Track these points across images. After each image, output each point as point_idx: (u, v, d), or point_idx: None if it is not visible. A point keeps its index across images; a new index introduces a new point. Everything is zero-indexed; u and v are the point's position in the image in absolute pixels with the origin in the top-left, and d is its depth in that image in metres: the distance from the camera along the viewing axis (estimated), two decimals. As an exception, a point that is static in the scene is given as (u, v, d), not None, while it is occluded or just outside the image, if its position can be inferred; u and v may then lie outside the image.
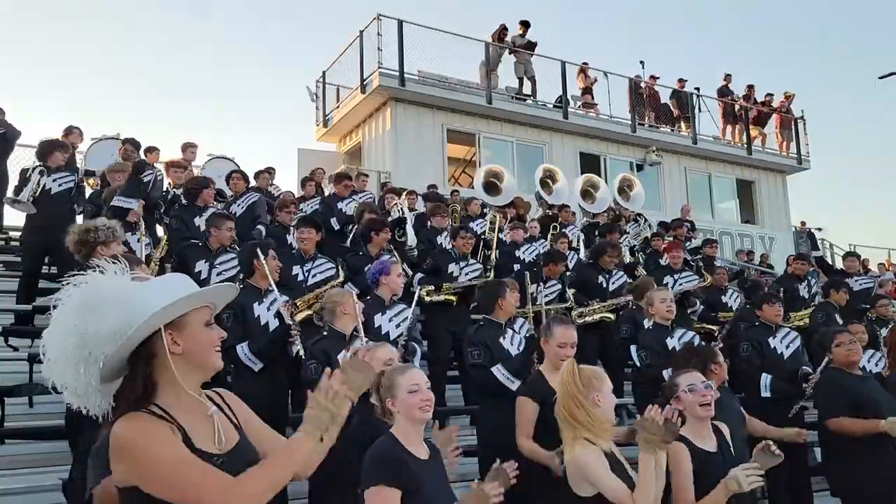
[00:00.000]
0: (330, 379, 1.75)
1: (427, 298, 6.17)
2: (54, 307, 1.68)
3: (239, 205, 7.67)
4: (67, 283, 1.69)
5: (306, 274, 5.47)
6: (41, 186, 6.55)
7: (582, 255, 8.50)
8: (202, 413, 1.71)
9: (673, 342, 4.66)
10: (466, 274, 6.57)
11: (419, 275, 6.53)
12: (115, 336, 1.63)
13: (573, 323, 3.91)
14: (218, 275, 5.45)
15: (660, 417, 2.63)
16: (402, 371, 2.62)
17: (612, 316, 6.64)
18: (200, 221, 6.34)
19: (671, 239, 9.63)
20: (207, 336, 1.73)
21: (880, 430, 3.83)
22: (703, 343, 5.04)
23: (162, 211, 7.57)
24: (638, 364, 5.21)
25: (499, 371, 4.12)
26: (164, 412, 1.62)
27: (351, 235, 7.38)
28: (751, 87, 17.37)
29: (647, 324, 5.11)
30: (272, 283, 4.43)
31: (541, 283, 6.59)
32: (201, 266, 5.44)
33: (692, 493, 2.89)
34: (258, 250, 4.50)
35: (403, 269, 6.90)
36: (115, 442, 1.56)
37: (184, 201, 6.85)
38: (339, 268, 5.63)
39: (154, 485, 1.54)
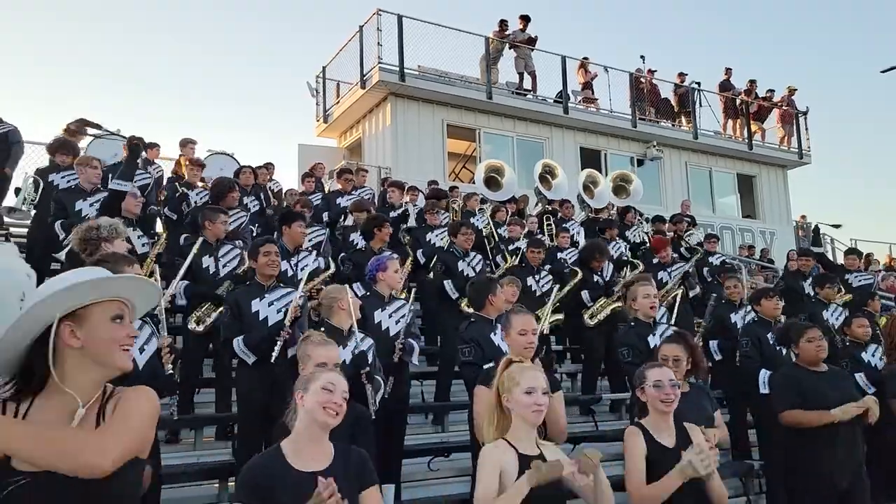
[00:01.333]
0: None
1: (469, 309, 6.16)
2: None
3: (252, 201, 7.79)
4: None
5: (294, 268, 5.54)
6: (39, 188, 6.54)
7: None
8: (66, 418, 1.58)
9: (655, 340, 4.61)
10: (473, 268, 6.60)
11: (449, 282, 6.46)
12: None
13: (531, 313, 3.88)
14: (223, 266, 5.52)
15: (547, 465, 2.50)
16: (325, 370, 2.55)
17: (621, 305, 6.69)
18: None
19: (671, 234, 9.64)
20: (112, 331, 1.62)
21: (832, 419, 3.84)
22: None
23: (163, 205, 7.60)
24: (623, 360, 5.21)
25: (488, 368, 4.11)
26: (16, 409, 1.57)
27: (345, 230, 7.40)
28: (752, 83, 17.33)
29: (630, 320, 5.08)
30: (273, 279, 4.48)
31: (535, 276, 6.61)
32: (207, 261, 5.48)
33: (642, 476, 2.92)
34: (258, 248, 4.56)
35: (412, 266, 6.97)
36: None
37: (209, 201, 6.92)
38: (331, 260, 5.68)
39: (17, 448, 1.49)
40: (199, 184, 8.22)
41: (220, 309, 5.03)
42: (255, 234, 7.21)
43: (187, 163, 8.58)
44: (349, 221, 7.68)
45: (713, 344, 5.98)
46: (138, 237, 5.83)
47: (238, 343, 4.27)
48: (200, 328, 5.23)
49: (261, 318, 4.36)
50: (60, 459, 1.49)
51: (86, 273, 1.67)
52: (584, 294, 6.98)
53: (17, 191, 7.02)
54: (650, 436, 3.04)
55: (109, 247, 3.74)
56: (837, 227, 11.02)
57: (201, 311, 5.31)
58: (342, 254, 6.97)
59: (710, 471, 2.80)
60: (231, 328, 4.37)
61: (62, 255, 5.41)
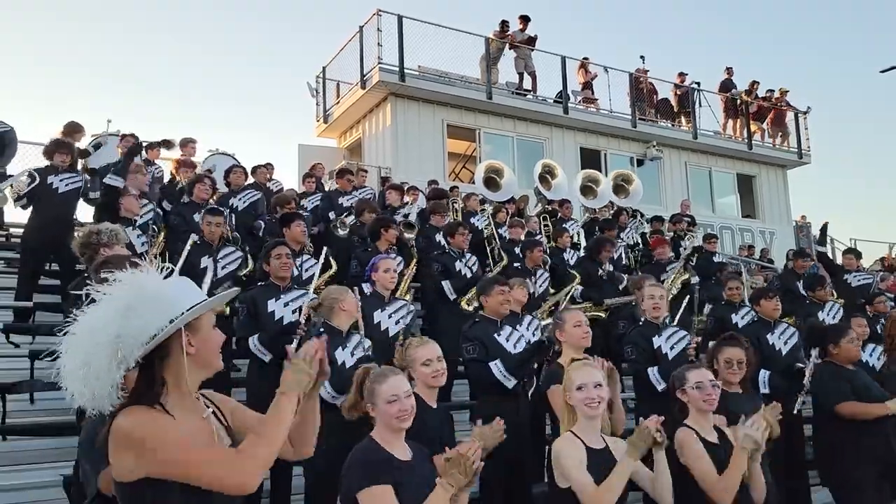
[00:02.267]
0: (306, 346, 1.87)
1: (469, 307, 6.18)
2: (83, 308, 1.69)
3: (241, 199, 7.72)
4: (106, 284, 1.71)
5: (299, 268, 5.59)
6: (33, 184, 6.49)
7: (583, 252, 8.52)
8: (199, 415, 1.76)
9: (659, 341, 4.64)
10: (470, 269, 6.61)
11: (447, 283, 6.45)
12: (145, 335, 1.65)
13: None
14: (223, 268, 5.55)
15: (654, 428, 2.72)
16: (381, 380, 2.61)
17: (603, 314, 6.84)
18: (199, 217, 6.41)
19: (671, 234, 9.66)
20: (217, 337, 1.81)
21: (889, 411, 3.98)
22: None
23: (163, 204, 7.61)
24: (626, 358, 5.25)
25: (496, 367, 4.14)
26: (165, 411, 1.67)
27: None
28: (754, 83, 17.33)
29: (641, 320, 5.13)
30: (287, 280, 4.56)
31: (532, 277, 6.63)
32: (206, 262, 5.49)
33: (714, 471, 2.97)
34: (270, 252, 4.65)
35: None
36: (118, 434, 1.60)
37: (185, 198, 6.92)
38: (330, 259, 5.72)
39: (163, 467, 1.59)
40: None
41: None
42: (262, 236, 7.25)
43: (176, 164, 8.53)
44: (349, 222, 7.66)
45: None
46: (137, 236, 5.84)
47: (254, 341, 4.34)
48: None
49: (276, 318, 4.43)
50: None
51: (191, 290, 1.80)
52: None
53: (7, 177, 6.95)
54: (700, 435, 3.11)
55: (109, 252, 3.72)
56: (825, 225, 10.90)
57: None
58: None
59: (768, 435, 2.95)
60: (246, 327, 4.45)
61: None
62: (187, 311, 1.69)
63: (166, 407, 1.68)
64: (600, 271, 7.23)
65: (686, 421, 3.19)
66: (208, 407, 1.83)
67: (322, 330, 4.05)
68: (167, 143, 7.32)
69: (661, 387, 4.37)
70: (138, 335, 1.65)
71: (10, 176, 6.57)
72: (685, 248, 8.72)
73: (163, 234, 6.56)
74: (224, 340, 1.85)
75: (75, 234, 7.42)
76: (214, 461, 1.64)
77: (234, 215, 7.38)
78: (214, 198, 7.74)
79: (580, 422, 2.88)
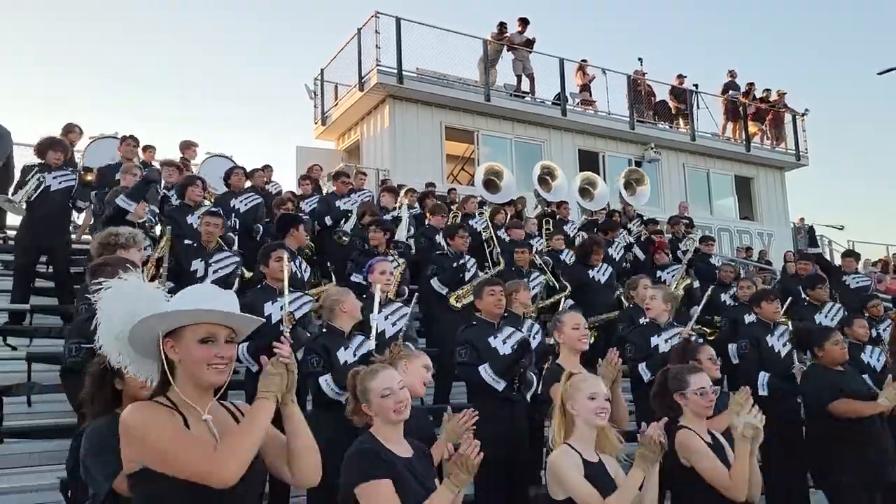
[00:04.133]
0: (281, 349, 1.93)
1: (458, 304, 6.21)
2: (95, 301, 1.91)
3: (242, 201, 7.72)
4: (100, 288, 1.90)
5: (300, 270, 5.64)
6: (40, 188, 6.46)
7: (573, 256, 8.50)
8: (198, 417, 1.84)
9: (658, 340, 4.72)
10: (468, 269, 6.62)
11: (436, 279, 6.49)
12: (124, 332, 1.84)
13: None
14: (214, 272, 5.49)
15: (658, 435, 2.71)
16: (372, 376, 2.60)
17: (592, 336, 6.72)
18: (193, 220, 6.38)
19: (669, 236, 9.66)
20: (198, 352, 1.83)
21: (882, 409, 4.00)
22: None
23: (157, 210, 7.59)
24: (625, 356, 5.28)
25: (484, 371, 4.15)
26: (172, 404, 1.82)
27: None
28: (751, 85, 17.37)
29: (642, 320, 5.16)
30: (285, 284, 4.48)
31: (526, 280, 6.62)
32: (197, 265, 5.47)
33: (723, 467, 2.97)
34: (269, 254, 4.66)
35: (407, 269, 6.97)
36: (122, 427, 1.75)
37: (176, 201, 6.90)
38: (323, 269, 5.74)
39: (156, 460, 1.72)
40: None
41: None
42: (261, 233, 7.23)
43: (160, 164, 8.41)
44: (348, 226, 7.65)
45: (732, 348, 5.94)
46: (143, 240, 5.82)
47: (242, 351, 4.30)
48: None
49: (273, 322, 4.42)
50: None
51: (184, 300, 1.87)
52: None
53: (16, 186, 6.93)
54: (699, 435, 3.12)
55: (125, 254, 3.83)
56: (840, 228, 10.99)
57: None
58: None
59: (762, 423, 2.92)
60: None
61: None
62: (140, 321, 1.80)
63: (172, 399, 1.82)
64: (592, 273, 7.12)
65: (683, 422, 3.19)
66: (230, 413, 1.96)
67: (313, 335, 4.05)
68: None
69: (647, 377, 4.49)
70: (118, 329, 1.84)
71: (26, 183, 6.54)
72: (684, 251, 8.73)
73: (165, 238, 6.54)
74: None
75: (72, 235, 7.46)
76: (194, 453, 1.71)
77: (237, 218, 7.40)
78: (212, 199, 7.75)
79: (579, 433, 2.84)
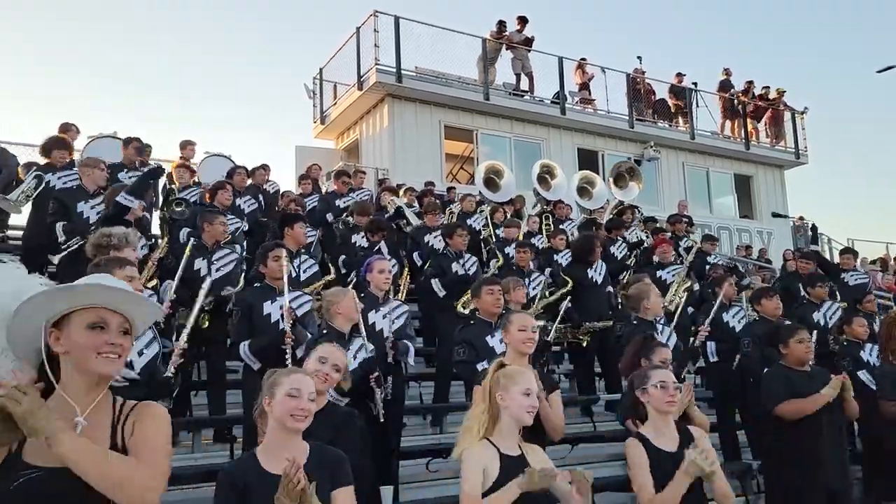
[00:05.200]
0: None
1: (465, 310, 6.18)
2: None
3: (245, 202, 7.77)
4: None
5: (297, 269, 5.57)
6: (40, 187, 6.43)
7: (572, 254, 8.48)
8: (69, 424, 1.63)
9: (658, 338, 4.72)
10: (467, 270, 6.62)
11: (436, 280, 6.50)
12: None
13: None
14: (217, 270, 5.51)
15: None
16: (287, 373, 2.52)
17: (583, 342, 6.68)
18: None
19: (669, 234, 9.65)
20: (87, 339, 1.66)
21: (825, 400, 3.96)
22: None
23: (161, 207, 7.60)
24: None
25: (483, 368, 4.13)
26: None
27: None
28: (750, 83, 17.36)
29: (633, 319, 5.14)
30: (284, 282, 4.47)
31: (525, 279, 6.62)
32: (200, 264, 5.47)
33: (651, 487, 2.88)
34: (267, 253, 4.63)
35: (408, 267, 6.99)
36: None
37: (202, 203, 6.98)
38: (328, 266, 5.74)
39: None
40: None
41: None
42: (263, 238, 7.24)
43: (174, 167, 8.49)
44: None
45: (710, 346, 5.98)
46: (138, 240, 5.81)
47: (244, 349, 4.32)
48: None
49: (272, 321, 4.41)
50: (110, 487, 1.60)
51: (74, 284, 1.72)
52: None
53: (18, 183, 6.91)
54: (650, 444, 3.01)
55: (118, 254, 3.79)
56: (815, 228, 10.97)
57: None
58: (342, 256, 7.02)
59: (714, 468, 2.81)
60: (239, 332, 4.42)
61: (56, 259, 5.38)
62: (21, 304, 1.64)
63: (48, 401, 1.64)
64: (590, 273, 7.06)
65: (642, 428, 3.10)
66: (118, 417, 1.74)
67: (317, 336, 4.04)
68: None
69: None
70: None
71: (21, 182, 6.51)
72: (685, 250, 8.72)
73: (166, 238, 6.54)
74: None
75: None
76: None
77: (246, 221, 7.45)
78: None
79: (502, 427, 2.70)
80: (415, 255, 7.31)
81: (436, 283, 6.44)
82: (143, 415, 1.76)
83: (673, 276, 7.61)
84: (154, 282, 5.15)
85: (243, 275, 5.71)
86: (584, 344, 6.65)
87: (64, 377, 1.68)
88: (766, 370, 4.54)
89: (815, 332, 4.62)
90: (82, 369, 1.68)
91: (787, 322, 5.56)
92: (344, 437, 2.90)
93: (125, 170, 7.46)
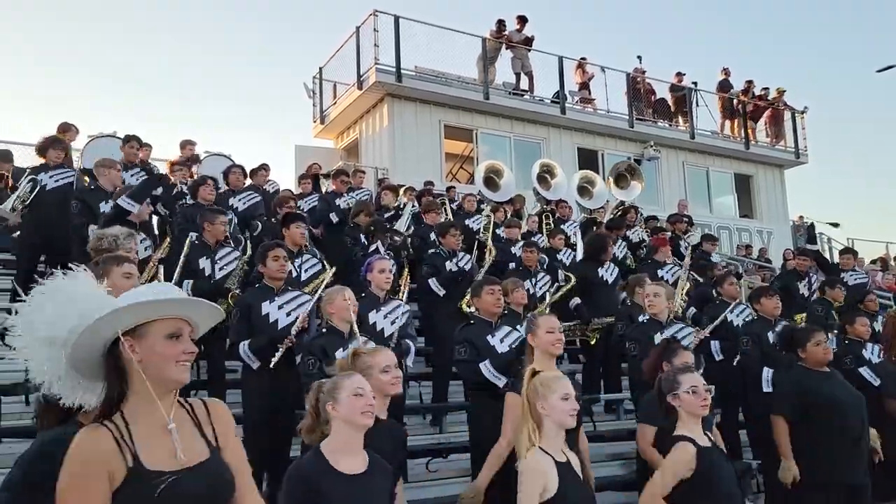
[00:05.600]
0: None
1: (469, 309, 6.19)
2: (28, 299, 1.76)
3: (241, 200, 7.71)
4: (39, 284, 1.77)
5: (298, 269, 5.55)
6: (35, 189, 6.43)
7: (579, 251, 8.47)
8: (162, 426, 1.70)
9: (661, 338, 4.72)
10: (462, 268, 6.61)
11: (433, 280, 6.50)
12: (71, 336, 1.68)
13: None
14: (220, 269, 5.51)
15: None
16: (346, 375, 2.58)
17: (591, 340, 6.68)
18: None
19: (670, 234, 9.64)
20: (165, 348, 1.71)
21: (787, 476, 4.01)
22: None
23: (165, 208, 7.58)
24: (628, 354, 5.28)
25: (485, 367, 4.16)
26: (125, 427, 1.67)
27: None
28: (750, 83, 17.35)
29: (641, 318, 5.16)
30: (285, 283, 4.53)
31: (532, 279, 6.61)
32: (204, 263, 5.48)
33: (664, 492, 2.94)
34: (266, 253, 4.62)
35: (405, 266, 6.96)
36: (69, 448, 1.64)
37: (189, 200, 6.93)
38: (324, 263, 5.71)
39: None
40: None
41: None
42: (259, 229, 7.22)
43: (170, 165, 8.50)
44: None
45: (715, 345, 5.97)
46: (141, 241, 5.80)
47: (244, 348, 4.32)
48: None
49: (271, 321, 4.41)
50: None
51: (147, 293, 1.76)
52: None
53: (13, 189, 6.91)
54: (696, 443, 3.06)
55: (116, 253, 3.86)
56: (836, 225, 10.98)
57: None
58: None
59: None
60: (239, 332, 4.42)
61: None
62: (104, 315, 1.67)
63: (125, 414, 1.68)
64: (601, 271, 7.02)
65: (679, 430, 3.15)
66: (192, 416, 1.80)
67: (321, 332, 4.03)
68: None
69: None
70: (60, 330, 1.69)
71: (17, 187, 6.51)
72: (686, 247, 8.72)
73: (168, 238, 6.53)
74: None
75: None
76: None
77: (234, 216, 7.37)
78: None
79: (548, 434, 2.77)
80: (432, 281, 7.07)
81: (433, 283, 6.44)
82: (216, 412, 1.84)
83: (672, 275, 7.60)
84: (156, 282, 5.15)
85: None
86: (593, 342, 6.64)
87: (136, 385, 1.70)
88: (787, 373, 4.55)
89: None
90: (160, 377, 1.71)
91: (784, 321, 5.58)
92: (399, 455, 3.02)
93: (125, 169, 7.45)
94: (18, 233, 7.15)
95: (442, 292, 6.40)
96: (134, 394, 1.71)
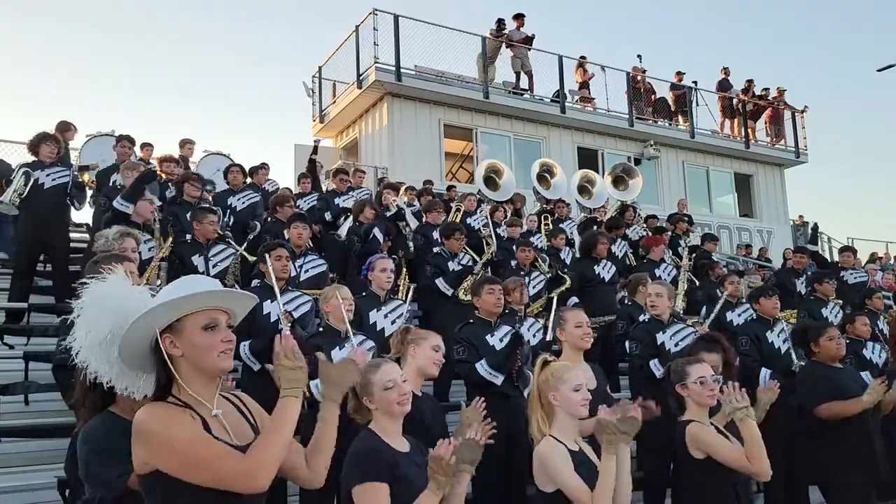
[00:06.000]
0: (283, 343, 1.89)
1: (466, 297, 6.18)
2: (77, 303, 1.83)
3: (240, 199, 7.69)
4: (82, 288, 1.83)
5: (299, 269, 5.54)
6: (29, 185, 6.37)
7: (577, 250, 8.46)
8: (209, 413, 1.79)
9: (663, 337, 4.73)
10: (464, 265, 6.65)
11: (440, 280, 6.51)
12: (114, 336, 1.76)
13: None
14: (214, 266, 5.50)
15: (614, 417, 2.66)
16: (373, 370, 2.59)
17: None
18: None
19: (669, 234, 9.63)
20: (204, 340, 1.77)
21: (867, 404, 3.98)
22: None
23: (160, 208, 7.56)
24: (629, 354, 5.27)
25: (481, 367, 4.16)
26: (183, 403, 1.76)
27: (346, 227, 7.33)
28: (750, 82, 17.36)
29: (642, 317, 5.15)
30: (276, 284, 4.44)
31: (526, 278, 6.60)
32: (197, 261, 5.47)
33: (739, 450, 3.00)
34: (265, 254, 4.60)
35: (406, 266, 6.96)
36: (136, 427, 1.68)
37: (175, 198, 6.90)
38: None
39: (170, 462, 1.65)
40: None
41: None
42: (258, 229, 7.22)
43: (158, 161, 8.18)
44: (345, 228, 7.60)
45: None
46: (145, 241, 5.78)
47: (244, 349, 4.31)
48: None
49: (272, 320, 4.41)
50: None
51: (176, 289, 1.80)
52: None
53: (8, 183, 6.85)
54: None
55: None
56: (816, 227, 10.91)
57: None
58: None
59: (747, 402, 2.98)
60: (238, 332, 4.36)
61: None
62: (137, 318, 1.73)
63: (182, 399, 1.76)
64: (597, 269, 7.04)
65: (689, 416, 3.20)
66: (235, 405, 1.89)
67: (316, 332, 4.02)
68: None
69: (659, 373, 4.50)
70: (105, 333, 1.76)
71: (12, 181, 6.45)
72: (683, 249, 8.70)
73: (170, 238, 6.52)
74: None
75: (70, 233, 7.44)
76: (222, 461, 1.66)
77: (232, 215, 7.36)
78: (211, 196, 7.73)
79: (561, 423, 2.80)
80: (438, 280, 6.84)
81: (441, 283, 6.46)
82: (250, 403, 1.98)
83: (668, 274, 7.60)
84: (159, 281, 5.16)
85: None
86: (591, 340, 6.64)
87: (184, 377, 1.77)
88: (803, 367, 4.58)
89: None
90: (204, 368, 1.78)
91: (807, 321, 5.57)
92: (439, 418, 3.20)
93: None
94: (15, 232, 7.12)
95: (450, 291, 6.44)
96: (183, 383, 1.77)
